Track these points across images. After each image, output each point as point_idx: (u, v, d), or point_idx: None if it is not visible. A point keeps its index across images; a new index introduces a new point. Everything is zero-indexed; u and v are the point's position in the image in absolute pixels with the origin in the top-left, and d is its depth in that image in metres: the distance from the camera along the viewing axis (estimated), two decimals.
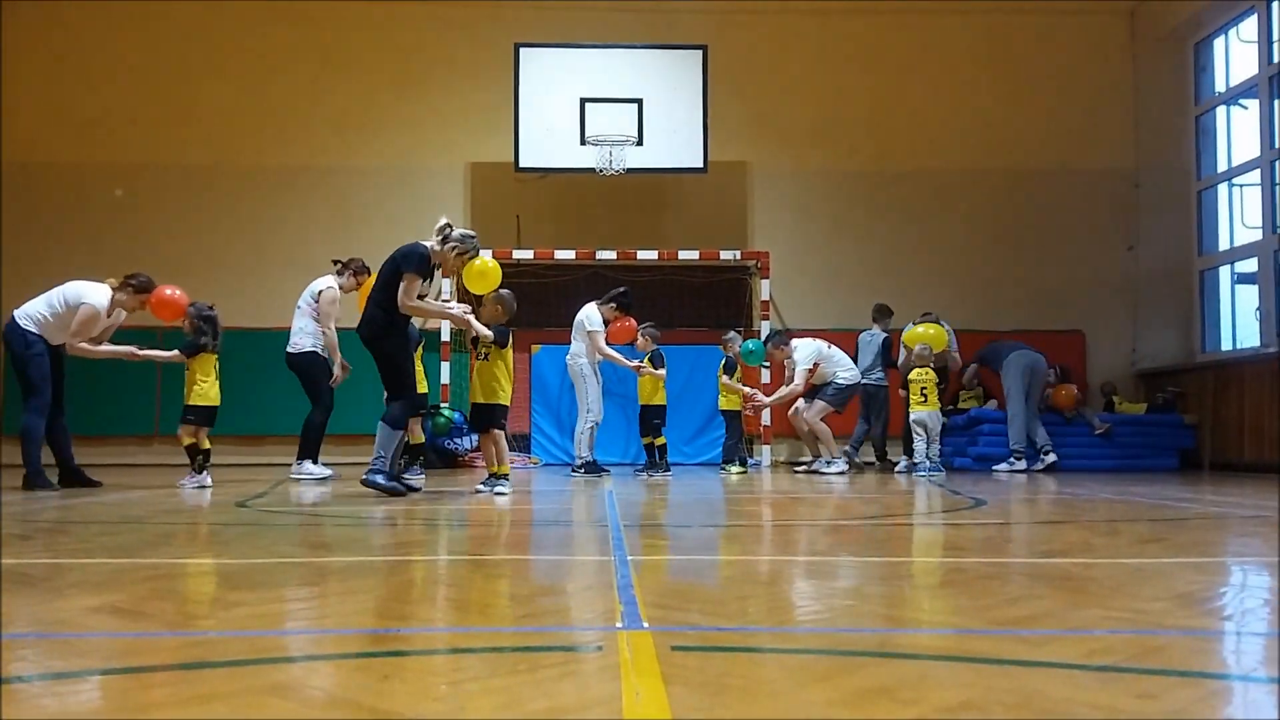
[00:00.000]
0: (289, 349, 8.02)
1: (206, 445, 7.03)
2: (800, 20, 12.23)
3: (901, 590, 2.88)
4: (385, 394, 6.35)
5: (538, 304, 9.07)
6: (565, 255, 11.23)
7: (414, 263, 6.19)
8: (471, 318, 6.45)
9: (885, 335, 10.36)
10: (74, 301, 6.84)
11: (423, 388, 8.05)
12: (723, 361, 9.30)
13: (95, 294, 6.91)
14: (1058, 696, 1.63)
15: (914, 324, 9.66)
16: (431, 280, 6.47)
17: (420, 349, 7.88)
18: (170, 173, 11.88)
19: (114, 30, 11.99)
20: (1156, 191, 12.01)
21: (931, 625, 2.30)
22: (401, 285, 6.14)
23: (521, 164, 11.00)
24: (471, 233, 6.47)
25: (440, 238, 6.33)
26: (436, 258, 6.34)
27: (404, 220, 10.46)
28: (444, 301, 8.05)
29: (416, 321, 7.54)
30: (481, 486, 6.33)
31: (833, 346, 9.62)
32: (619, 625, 2.18)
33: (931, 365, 9.21)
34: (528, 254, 11.28)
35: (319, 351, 7.94)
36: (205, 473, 6.99)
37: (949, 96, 12.26)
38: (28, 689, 1.69)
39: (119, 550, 3.63)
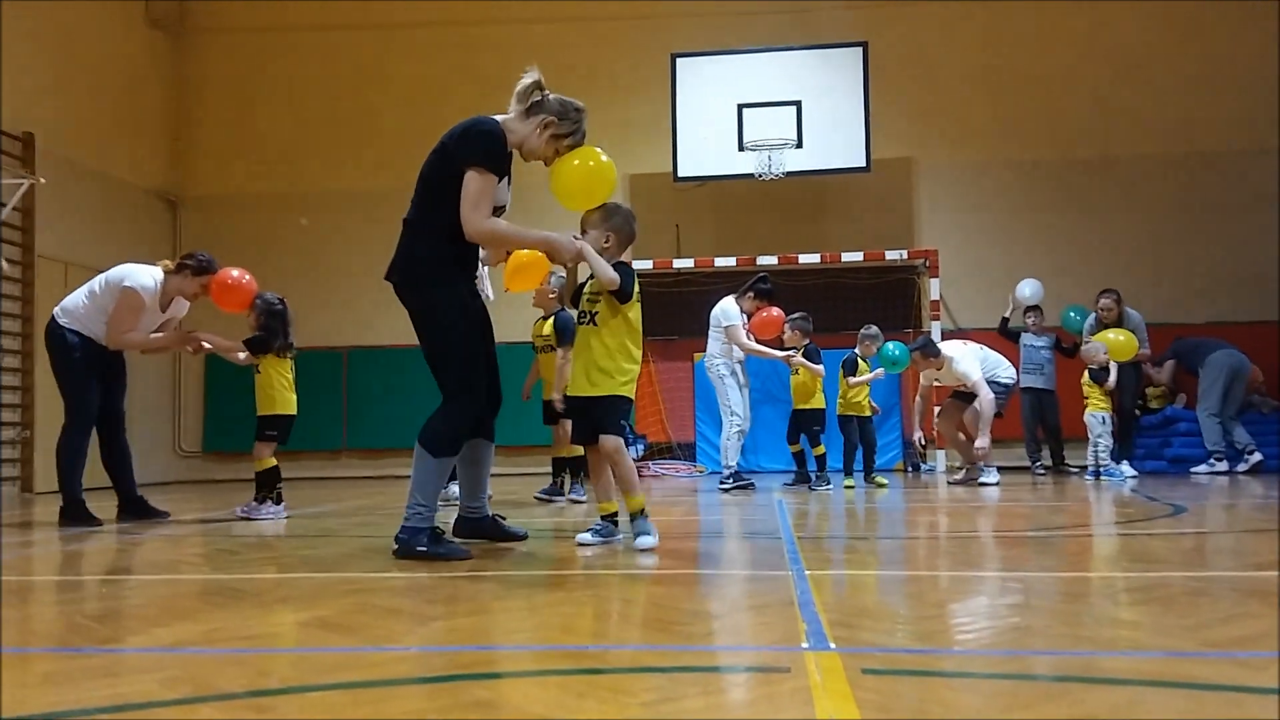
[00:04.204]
0: None
1: (273, 462, 5.85)
2: (963, 9, 11.85)
3: (1100, 608, 2.74)
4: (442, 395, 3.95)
5: (700, 313, 9.06)
6: (726, 263, 11.20)
7: (481, 149, 3.75)
8: (589, 248, 3.97)
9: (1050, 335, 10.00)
10: (116, 284, 5.63)
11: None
12: (843, 360, 8.15)
13: (140, 275, 5.67)
14: None
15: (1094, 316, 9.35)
16: (509, 181, 3.97)
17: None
18: (350, 199, 12.48)
19: (292, 64, 12.71)
20: None
21: (1138, 647, 2.17)
22: (466, 189, 3.71)
23: (680, 173, 11.07)
24: (578, 103, 3.98)
25: (525, 105, 3.87)
26: (514, 140, 3.90)
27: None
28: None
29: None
30: (645, 540, 3.89)
31: (984, 348, 9.06)
32: (805, 645, 2.16)
33: (1095, 367, 8.79)
34: (688, 263, 11.33)
35: None
36: (281, 504, 5.80)
37: (1128, 79, 11.64)
38: (257, 704, 1.80)
39: (319, 565, 3.84)
